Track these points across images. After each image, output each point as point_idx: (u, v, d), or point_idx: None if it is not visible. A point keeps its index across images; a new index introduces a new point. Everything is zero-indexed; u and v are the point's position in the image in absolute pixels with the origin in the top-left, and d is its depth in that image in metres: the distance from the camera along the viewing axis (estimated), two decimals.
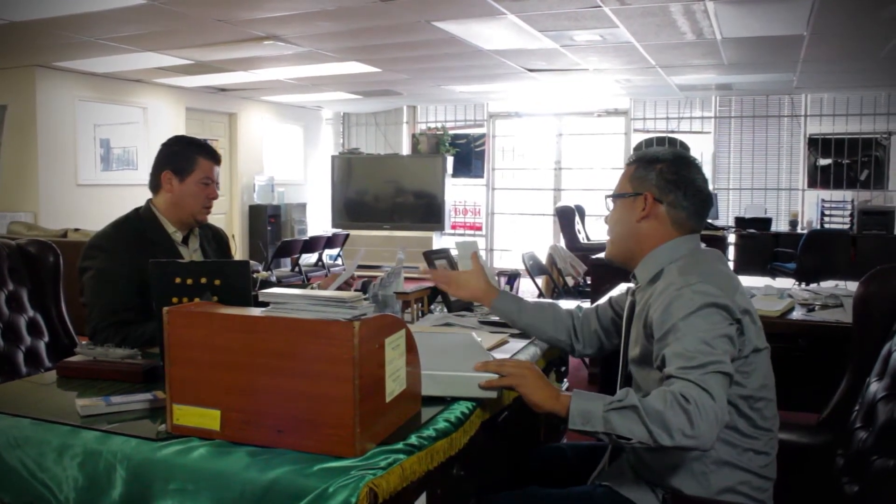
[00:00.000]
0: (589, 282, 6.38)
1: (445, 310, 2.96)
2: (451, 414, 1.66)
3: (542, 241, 11.13)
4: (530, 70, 8.33)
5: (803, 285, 8.72)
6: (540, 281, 6.31)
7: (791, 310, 3.24)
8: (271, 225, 10.60)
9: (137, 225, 2.68)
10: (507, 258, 11.48)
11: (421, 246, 10.99)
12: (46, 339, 2.89)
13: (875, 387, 2.00)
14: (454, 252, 3.17)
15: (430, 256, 3.00)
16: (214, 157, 2.75)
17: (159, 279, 1.86)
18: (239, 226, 10.74)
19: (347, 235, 8.69)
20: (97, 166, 8.89)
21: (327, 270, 8.22)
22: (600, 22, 5.89)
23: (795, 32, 6.24)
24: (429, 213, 11.20)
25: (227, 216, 10.66)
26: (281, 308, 1.40)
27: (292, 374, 1.37)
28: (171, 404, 1.47)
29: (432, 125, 12.13)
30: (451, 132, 11.77)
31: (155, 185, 2.72)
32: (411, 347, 1.59)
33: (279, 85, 9.48)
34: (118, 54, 7.18)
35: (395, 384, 1.49)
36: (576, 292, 6.31)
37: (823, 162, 10.21)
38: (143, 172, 8.94)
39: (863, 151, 10.03)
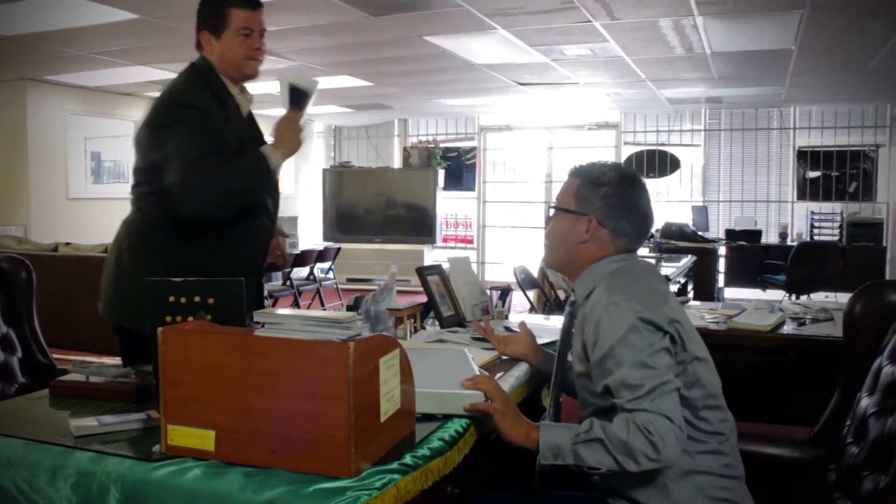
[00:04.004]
0: None
1: (438, 326, 2.97)
2: (445, 432, 1.66)
3: (534, 253, 11.14)
4: (521, 84, 8.37)
5: (793, 297, 8.77)
6: (531, 295, 6.32)
7: (781, 324, 3.26)
8: None
9: (208, 78, 2.51)
10: (498, 271, 11.47)
11: (412, 259, 10.98)
12: (20, 354, 2.88)
13: (866, 402, 2.01)
14: (446, 266, 3.19)
15: (423, 273, 3.01)
16: (249, 3, 2.48)
17: (153, 298, 1.86)
18: None
19: (339, 249, 8.69)
20: (88, 179, 8.87)
21: (319, 284, 8.21)
22: (591, 37, 5.93)
23: (784, 47, 6.29)
24: (420, 226, 11.21)
25: None
26: (276, 328, 1.41)
27: (287, 394, 1.37)
28: (166, 424, 1.47)
29: (423, 138, 12.16)
30: (441, 145, 11.80)
31: (198, 45, 2.54)
32: (405, 367, 1.59)
33: (270, 98, 9.40)
34: (109, 68, 7.19)
35: (389, 404, 1.49)
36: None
37: (812, 174, 10.28)
38: None
39: (851, 164, 10.10)
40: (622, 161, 10.96)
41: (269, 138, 2.64)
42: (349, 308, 3.29)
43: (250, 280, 2.63)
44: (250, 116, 2.71)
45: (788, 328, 3.21)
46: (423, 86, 8.77)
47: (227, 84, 2.54)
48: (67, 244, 6.66)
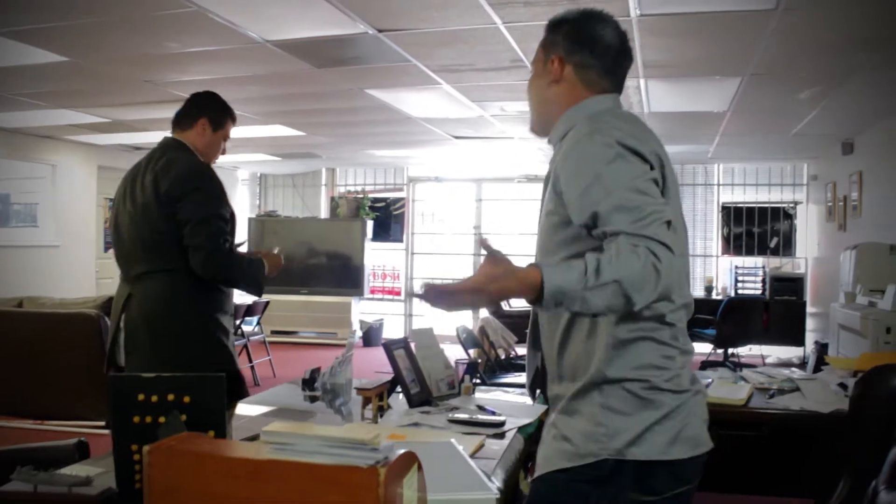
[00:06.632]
0: (522, 353, 6.26)
1: (405, 403, 2.80)
2: None
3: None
4: (455, 137, 8.32)
5: (720, 351, 8.91)
6: (472, 353, 6.18)
7: (751, 396, 3.20)
8: None
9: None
10: (425, 325, 11.22)
11: (340, 311, 10.72)
12: None
13: (886, 497, 1.93)
14: (412, 343, 3.03)
15: (390, 346, 2.84)
16: (235, 123, 3.17)
17: (118, 395, 1.63)
18: None
19: (268, 303, 8.35)
20: None
21: (247, 339, 7.87)
22: None
23: (718, 109, 6.42)
24: (347, 277, 10.96)
25: None
26: (288, 449, 1.21)
27: None
28: None
29: (351, 188, 11.96)
30: (369, 195, 11.63)
31: (187, 124, 3.00)
32: (421, 478, 1.42)
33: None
34: (29, 110, 6.77)
35: None
36: (508, 365, 6.18)
37: (736, 230, 10.55)
38: (47, 231, 8.50)
39: (772, 220, 10.41)
40: None
41: None
42: (304, 381, 3.09)
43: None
44: None
45: (759, 401, 3.15)
46: (356, 137, 8.63)
47: None
48: None
